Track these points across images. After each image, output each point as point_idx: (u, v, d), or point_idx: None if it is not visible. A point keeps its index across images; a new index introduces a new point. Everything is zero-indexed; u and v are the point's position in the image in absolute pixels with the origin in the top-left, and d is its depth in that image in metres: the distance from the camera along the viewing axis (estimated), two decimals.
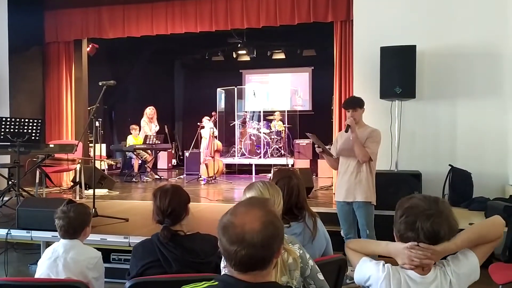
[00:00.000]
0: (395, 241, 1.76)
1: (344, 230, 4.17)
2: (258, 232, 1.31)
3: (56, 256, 2.50)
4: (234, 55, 13.10)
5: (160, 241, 2.25)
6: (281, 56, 13.05)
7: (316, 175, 8.97)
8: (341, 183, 4.10)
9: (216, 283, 1.38)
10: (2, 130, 5.23)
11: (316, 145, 4.09)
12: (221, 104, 12.17)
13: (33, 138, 5.43)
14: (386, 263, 1.73)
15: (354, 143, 3.91)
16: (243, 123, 11.49)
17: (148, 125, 9.47)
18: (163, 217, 2.32)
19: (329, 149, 4.28)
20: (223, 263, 1.94)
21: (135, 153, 9.12)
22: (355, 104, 4.05)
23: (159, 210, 2.34)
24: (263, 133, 10.70)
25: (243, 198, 1.97)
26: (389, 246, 1.75)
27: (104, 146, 9.81)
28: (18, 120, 5.38)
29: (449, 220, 1.62)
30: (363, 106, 4.07)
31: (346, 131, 3.93)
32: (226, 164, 10.23)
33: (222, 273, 1.82)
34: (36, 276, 2.50)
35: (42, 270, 2.49)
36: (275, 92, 13.13)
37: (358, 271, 1.79)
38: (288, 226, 2.35)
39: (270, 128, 11.11)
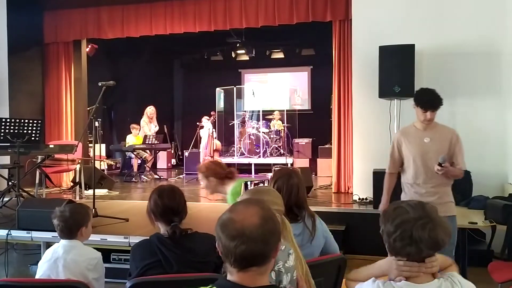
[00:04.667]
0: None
1: None
2: (258, 226, 1.33)
3: (56, 257, 2.50)
4: (233, 55, 13.11)
5: (161, 241, 2.25)
6: (280, 55, 13.05)
7: (316, 174, 8.98)
8: (421, 194, 3.31)
9: None
10: (2, 130, 5.23)
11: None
12: (220, 103, 12.16)
13: (33, 138, 5.44)
14: (378, 280, 1.61)
15: (448, 173, 3.22)
16: (242, 122, 11.48)
17: (148, 125, 9.48)
18: (173, 216, 2.33)
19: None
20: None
21: (134, 153, 9.13)
22: (439, 102, 3.30)
23: (167, 209, 2.33)
24: (263, 132, 10.70)
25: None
26: (380, 264, 1.67)
27: (103, 146, 9.81)
28: (17, 120, 5.38)
29: (442, 225, 1.53)
30: None
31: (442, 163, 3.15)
32: (225, 164, 10.21)
33: None
34: (37, 277, 2.50)
35: (43, 271, 2.49)
36: (274, 91, 13.13)
37: None
38: None
39: (270, 128, 11.11)
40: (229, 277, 1.38)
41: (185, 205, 2.42)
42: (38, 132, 5.48)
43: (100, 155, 8.97)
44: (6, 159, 6.64)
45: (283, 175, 2.49)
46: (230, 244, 1.31)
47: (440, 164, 3.15)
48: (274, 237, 1.37)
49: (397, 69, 5.20)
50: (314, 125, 11.52)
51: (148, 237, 2.33)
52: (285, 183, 2.43)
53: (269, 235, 1.35)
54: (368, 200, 5.59)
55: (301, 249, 2.32)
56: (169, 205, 2.34)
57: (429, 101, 3.30)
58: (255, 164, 10.11)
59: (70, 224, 2.57)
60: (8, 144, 5.31)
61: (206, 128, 9.30)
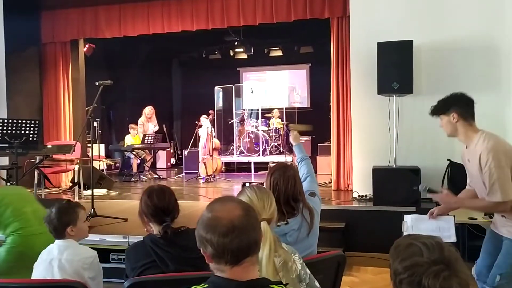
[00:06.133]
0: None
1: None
2: (244, 216, 1.36)
3: (51, 258, 2.48)
4: (231, 53, 13.06)
5: (154, 242, 2.24)
6: (278, 53, 13.02)
7: (315, 172, 8.91)
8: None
9: (206, 285, 1.38)
10: (0, 131, 5.21)
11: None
12: (219, 102, 12.15)
13: (31, 139, 5.41)
14: None
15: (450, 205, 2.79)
16: (241, 121, 11.46)
17: (145, 124, 9.47)
18: (164, 215, 2.32)
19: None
20: None
21: (133, 152, 9.12)
22: (437, 107, 2.82)
23: (158, 209, 2.33)
24: (262, 130, 10.69)
25: None
26: None
27: (102, 146, 9.79)
28: (15, 121, 5.36)
29: (459, 274, 1.26)
30: (455, 109, 2.71)
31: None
32: (225, 162, 10.23)
33: None
34: (32, 278, 2.48)
35: (38, 272, 2.47)
36: (273, 89, 13.11)
37: None
38: (286, 223, 2.36)
39: (269, 126, 11.09)
40: (219, 274, 1.38)
41: (176, 203, 2.42)
42: (36, 132, 5.46)
43: (99, 155, 8.95)
44: (4, 160, 6.63)
45: (280, 168, 2.54)
46: (224, 241, 1.32)
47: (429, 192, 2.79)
48: (258, 223, 1.43)
49: (395, 65, 5.19)
50: (313, 122, 11.37)
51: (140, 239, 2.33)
52: (282, 175, 2.46)
53: (255, 221, 1.40)
54: (368, 197, 5.58)
55: (299, 244, 2.33)
56: (159, 205, 2.34)
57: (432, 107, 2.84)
58: (254, 163, 10.10)
59: (55, 224, 2.53)
60: (6, 145, 5.29)
61: (205, 127, 9.26)
